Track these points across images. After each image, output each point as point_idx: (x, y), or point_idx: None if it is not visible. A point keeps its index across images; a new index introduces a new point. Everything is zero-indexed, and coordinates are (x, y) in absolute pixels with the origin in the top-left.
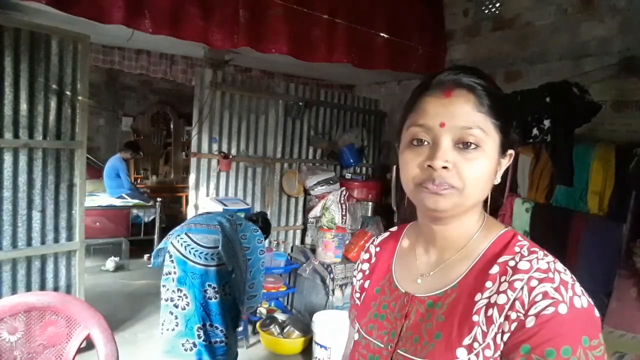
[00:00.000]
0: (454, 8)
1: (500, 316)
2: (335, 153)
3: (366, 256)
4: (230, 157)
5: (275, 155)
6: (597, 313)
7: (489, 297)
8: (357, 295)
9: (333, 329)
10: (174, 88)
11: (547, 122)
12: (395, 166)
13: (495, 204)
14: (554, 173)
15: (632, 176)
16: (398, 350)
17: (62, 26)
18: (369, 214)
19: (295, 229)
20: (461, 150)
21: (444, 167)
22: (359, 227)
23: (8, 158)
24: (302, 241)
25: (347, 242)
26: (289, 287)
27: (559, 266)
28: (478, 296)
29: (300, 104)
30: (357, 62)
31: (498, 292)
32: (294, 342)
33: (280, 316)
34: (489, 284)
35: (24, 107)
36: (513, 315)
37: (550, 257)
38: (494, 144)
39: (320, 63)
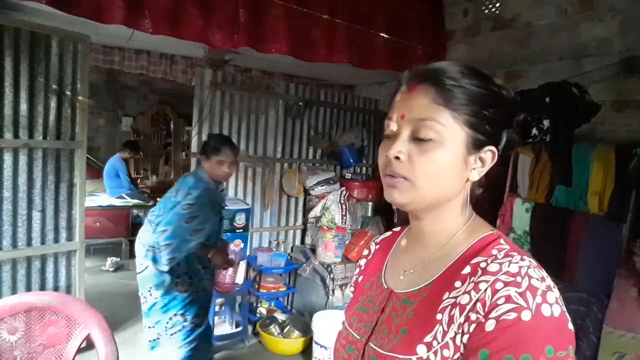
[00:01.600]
0: (454, 8)
1: (460, 316)
2: (335, 153)
3: (365, 252)
4: None
5: (275, 155)
6: (571, 326)
7: (456, 297)
8: (352, 289)
9: (333, 329)
10: (174, 88)
11: (546, 122)
12: None
13: (483, 206)
14: (553, 173)
15: (632, 176)
16: (370, 343)
17: (62, 26)
18: (369, 214)
19: (295, 229)
20: (418, 141)
21: (397, 158)
22: (359, 227)
23: (8, 158)
24: (302, 241)
25: (347, 242)
26: (289, 287)
27: (534, 272)
28: (445, 295)
29: (300, 104)
30: (357, 62)
31: (464, 293)
32: (294, 342)
33: (280, 316)
34: (458, 283)
35: (24, 107)
36: (473, 317)
37: (526, 262)
38: (457, 139)
39: (320, 63)
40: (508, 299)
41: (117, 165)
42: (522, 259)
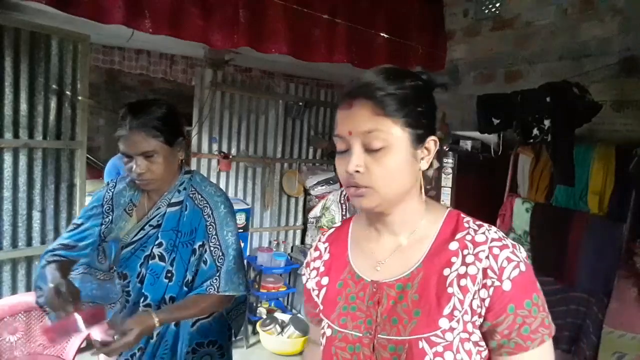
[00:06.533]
0: (454, 8)
1: (474, 284)
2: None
3: (316, 254)
4: (230, 157)
5: (275, 155)
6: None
7: (457, 270)
8: (315, 292)
9: None
10: (174, 88)
11: (547, 122)
12: None
13: (484, 207)
14: (554, 173)
15: (632, 176)
16: (379, 335)
17: (62, 26)
18: None
19: (295, 229)
20: (371, 152)
21: (357, 171)
22: None
23: (8, 158)
24: (302, 241)
25: None
26: (289, 287)
27: (501, 233)
28: (447, 271)
29: (300, 104)
30: (357, 62)
31: (466, 265)
32: (294, 342)
33: (280, 316)
34: (454, 259)
35: (24, 107)
36: (489, 282)
37: (493, 227)
38: (402, 140)
39: (320, 63)
40: (509, 260)
41: (118, 165)
42: (489, 226)
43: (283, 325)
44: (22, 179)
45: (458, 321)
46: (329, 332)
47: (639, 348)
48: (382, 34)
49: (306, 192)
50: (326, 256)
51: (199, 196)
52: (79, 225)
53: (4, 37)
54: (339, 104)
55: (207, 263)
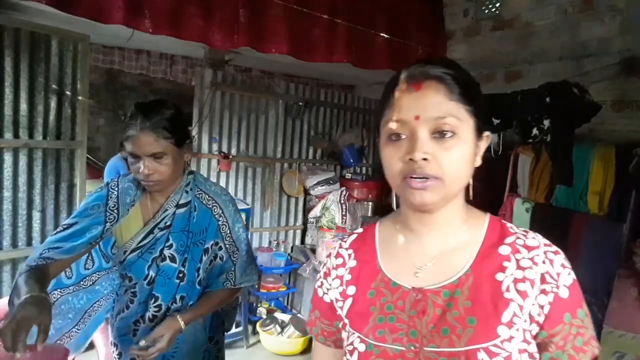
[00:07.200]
0: (454, 8)
1: (533, 288)
2: (335, 153)
3: (338, 261)
4: (230, 157)
5: (275, 155)
6: None
7: (513, 274)
8: (339, 304)
9: None
10: (174, 88)
11: (547, 122)
12: None
13: (483, 207)
14: (554, 173)
15: (632, 176)
16: (425, 348)
17: (62, 26)
18: (369, 214)
19: (295, 229)
20: (438, 139)
21: (424, 159)
22: (359, 227)
23: (8, 158)
24: (302, 241)
25: None
26: (289, 287)
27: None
28: (500, 275)
29: (300, 104)
30: (357, 62)
31: (522, 268)
32: (294, 342)
33: (280, 316)
34: (506, 263)
35: (24, 107)
36: (548, 288)
37: (538, 234)
38: (469, 130)
39: (320, 63)
40: (563, 266)
41: (118, 165)
42: (532, 232)
43: (283, 325)
44: (22, 179)
45: (518, 329)
46: (361, 347)
47: (639, 348)
48: (382, 34)
49: (306, 192)
50: (352, 263)
51: (207, 196)
52: (70, 226)
53: (4, 37)
54: (397, 86)
55: (224, 259)
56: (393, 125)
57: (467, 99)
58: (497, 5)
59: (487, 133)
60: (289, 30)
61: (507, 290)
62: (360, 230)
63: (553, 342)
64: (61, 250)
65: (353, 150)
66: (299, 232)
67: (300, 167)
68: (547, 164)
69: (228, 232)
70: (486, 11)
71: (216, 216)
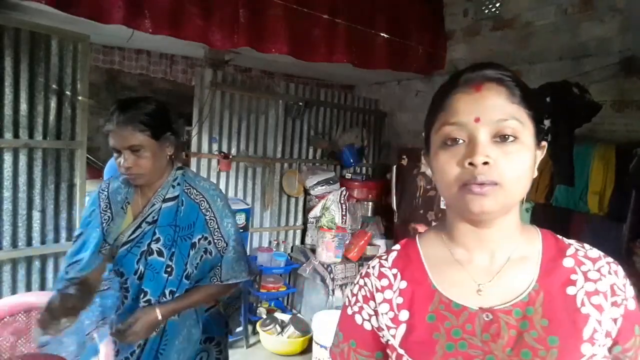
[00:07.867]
0: (454, 8)
1: (606, 301)
2: (335, 153)
3: (384, 282)
4: (230, 157)
5: (275, 155)
6: None
7: (584, 287)
8: (392, 332)
9: (333, 329)
10: (174, 88)
11: (547, 122)
12: (395, 166)
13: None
14: (554, 173)
15: (632, 176)
16: None
17: (62, 26)
18: (369, 214)
19: (295, 229)
20: (499, 144)
21: (485, 163)
22: (359, 227)
23: (8, 158)
24: (302, 241)
25: (347, 242)
26: (289, 287)
27: None
28: (572, 289)
29: (300, 104)
30: (357, 62)
31: (592, 281)
32: (294, 342)
33: (280, 316)
34: (574, 276)
35: (24, 107)
36: (619, 300)
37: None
38: (530, 135)
39: (320, 63)
40: (625, 277)
41: None
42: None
43: (283, 325)
44: (22, 179)
45: (600, 346)
46: None
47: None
48: (382, 34)
49: (306, 192)
50: (401, 284)
51: (195, 191)
52: (78, 237)
53: (4, 37)
54: (452, 89)
55: (212, 254)
56: (450, 129)
57: (528, 102)
58: (497, 5)
59: (544, 143)
60: (289, 30)
61: (583, 304)
62: (397, 247)
63: (627, 357)
64: (80, 267)
65: (353, 150)
66: (299, 232)
67: (300, 167)
68: (547, 164)
69: (216, 227)
70: (486, 11)
71: (203, 211)
